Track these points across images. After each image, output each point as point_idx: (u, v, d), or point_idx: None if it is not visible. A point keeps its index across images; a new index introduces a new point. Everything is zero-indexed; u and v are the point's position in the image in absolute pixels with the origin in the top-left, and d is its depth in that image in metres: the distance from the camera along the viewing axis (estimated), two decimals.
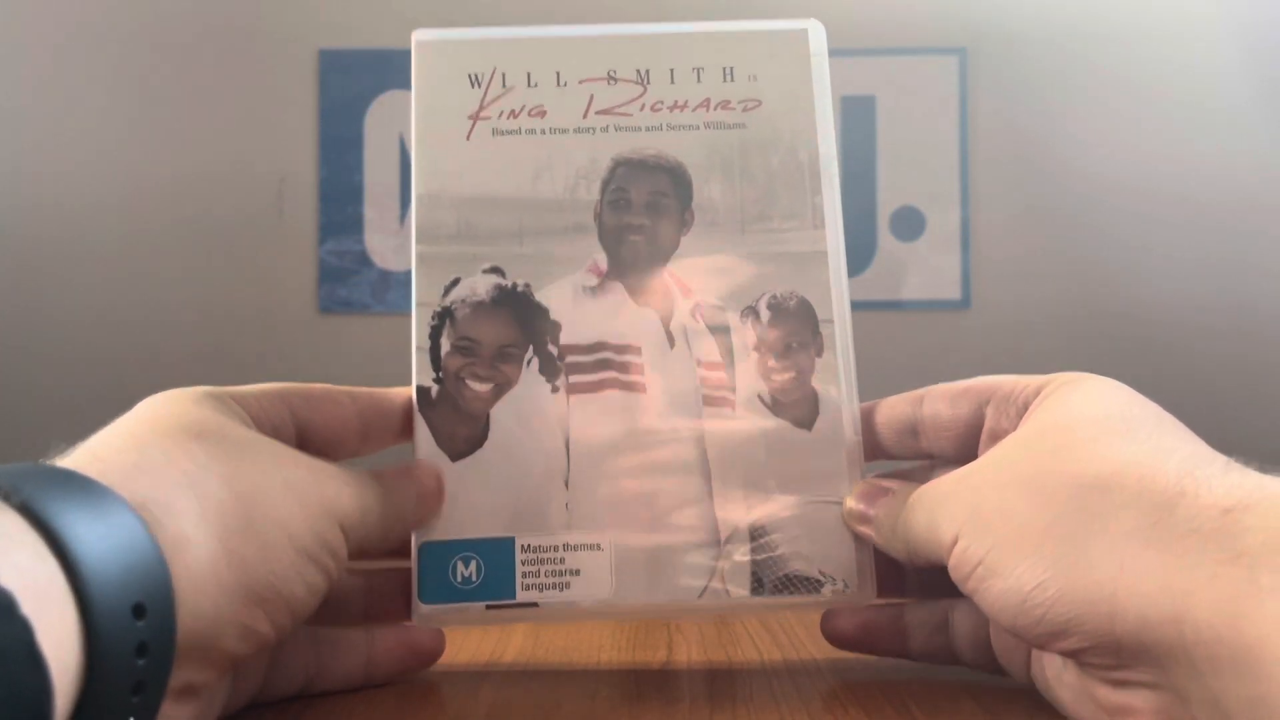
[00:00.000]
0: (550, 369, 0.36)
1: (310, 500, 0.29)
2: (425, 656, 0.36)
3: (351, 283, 0.93)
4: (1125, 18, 0.92)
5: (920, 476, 0.35)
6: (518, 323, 0.37)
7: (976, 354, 0.91)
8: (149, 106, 0.93)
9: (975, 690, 0.34)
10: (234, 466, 0.28)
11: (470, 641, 0.41)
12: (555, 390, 0.36)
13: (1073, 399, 0.31)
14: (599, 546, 0.35)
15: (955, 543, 0.29)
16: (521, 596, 0.35)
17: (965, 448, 0.35)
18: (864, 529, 0.35)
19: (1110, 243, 0.92)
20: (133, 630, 0.22)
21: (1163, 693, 0.26)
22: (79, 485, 0.24)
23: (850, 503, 0.36)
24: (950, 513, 0.30)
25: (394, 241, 0.93)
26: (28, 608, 0.20)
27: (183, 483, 0.26)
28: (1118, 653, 0.26)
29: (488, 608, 0.35)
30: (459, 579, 0.35)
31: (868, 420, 0.37)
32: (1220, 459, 0.27)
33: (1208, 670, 0.24)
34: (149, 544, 0.24)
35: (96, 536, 0.23)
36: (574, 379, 0.36)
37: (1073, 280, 0.91)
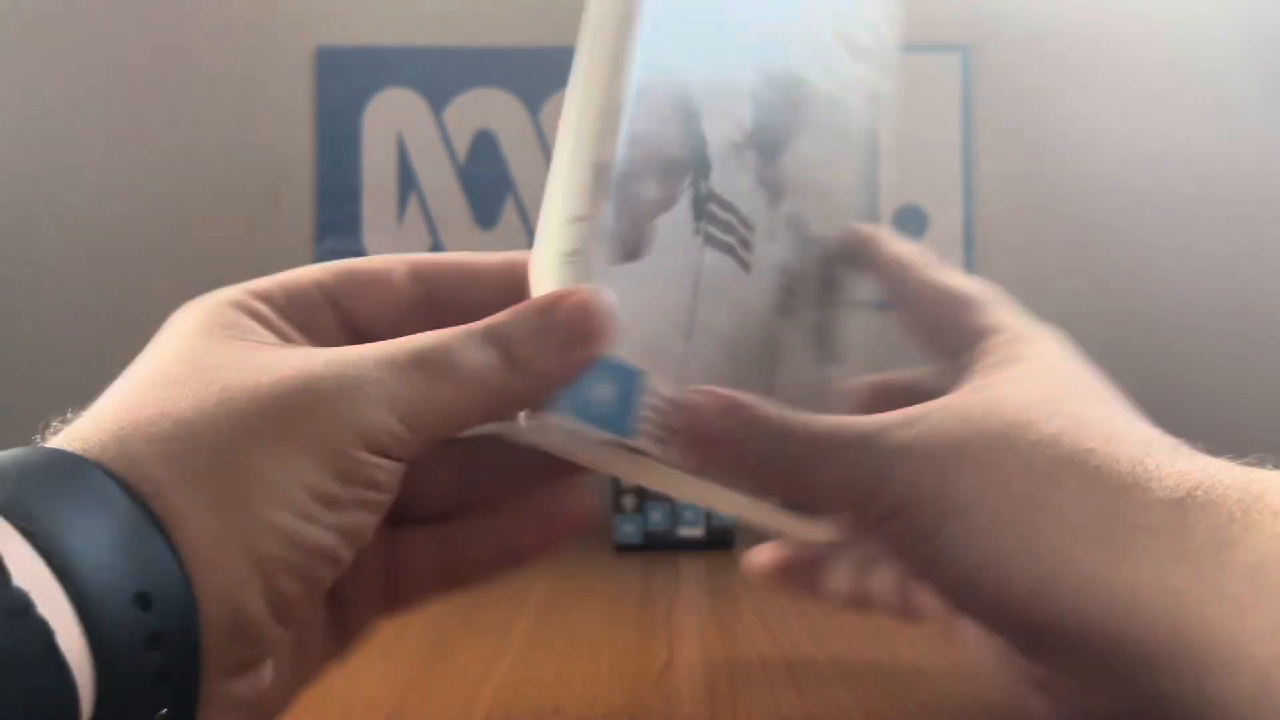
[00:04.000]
0: (699, 207, 0.32)
1: (317, 434, 0.25)
2: (566, 528, 0.31)
3: None
4: (1128, 15, 0.92)
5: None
6: (687, 139, 0.32)
7: None
8: (144, 103, 0.93)
9: (972, 685, 0.34)
10: (222, 410, 0.25)
11: (470, 639, 0.41)
12: (697, 233, 0.32)
13: (1026, 368, 0.30)
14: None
15: (904, 505, 0.27)
16: (636, 442, 0.28)
17: (931, 331, 0.34)
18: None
19: (1114, 240, 0.91)
20: (140, 621, 0.21)
21: (1085, 680, 0.26)
22: (68, 472, 0.23)
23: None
24: (893, 471, 0.27)
25: (392, 240, 0.92)
26: (44, 609, 0.19)
27: (169, 451, 0.24)
28: (1060, 637, 0.25)
29: (609, 443, 0.28)
30: (597, 396, 0.28)
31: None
32: (1169, 442, 0.27)
33: (1149, 666, 0.24)
34: (147, 527, 0.22)
35: (85, 529, 0.21)
36: (710, 230, 0.32)
37: (1077, 278, 0.91)
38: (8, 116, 0.93)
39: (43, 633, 0.19)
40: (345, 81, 0.92)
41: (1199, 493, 0.25)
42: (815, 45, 0.36)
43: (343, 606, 0.29)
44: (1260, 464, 0.27)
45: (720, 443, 0.29)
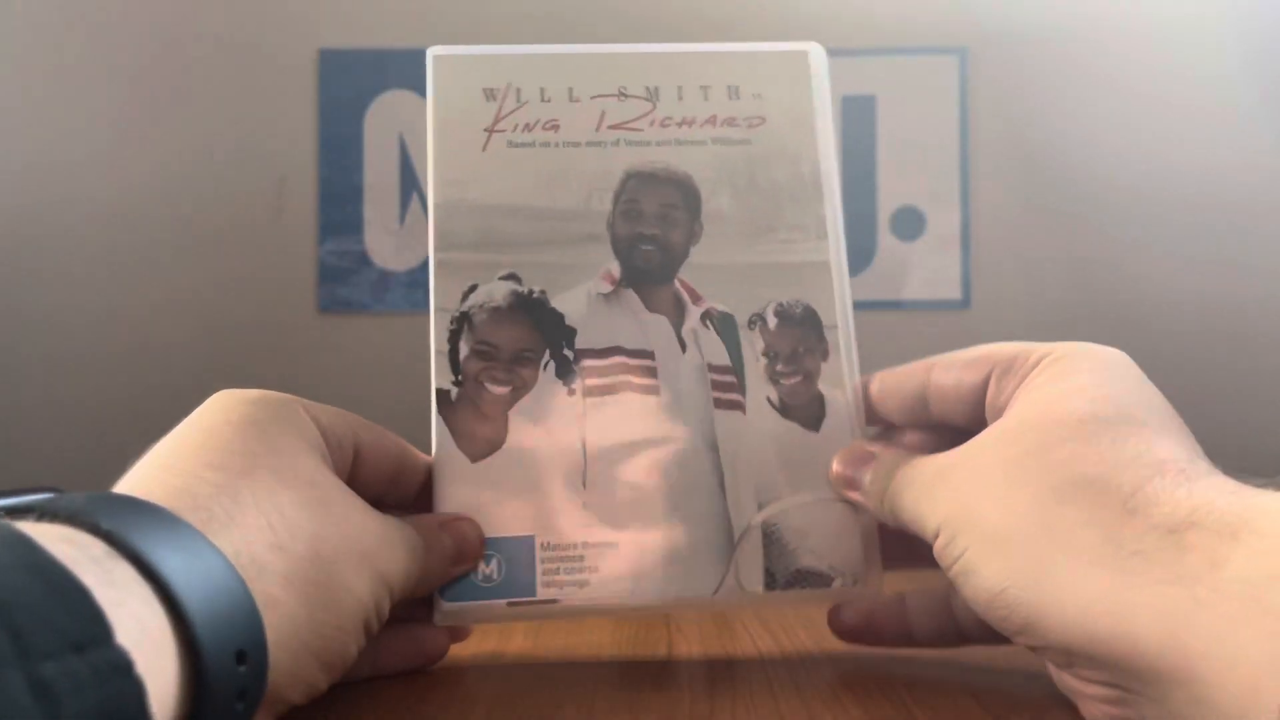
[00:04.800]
0: (566, 372, 0.38)
1: (375, 567, 0.31)
2: (431, 656, 0.37)
3: (351, 283, 0.93)
4: (1126, 17, 0.92)
5: (910, 442, 0.37)
6: (534, 328, 0.38)
7: None
8: (148, 106, 0.93)
9: (972, 685, 0.34)
10: (319, 527, 0.29)
11: (471, 640, 0.41)
12: (571, 393, 0.37)
13: (1057, 387, 0.31)
14: (616, 545, 0.36)
15: (938, 535, 0.31)
16: (542, 594, 0.36)
17: (975, 415, 0.35)
18: (851, 494, 0.36)
19: (1111, 242, 0.92)
20: (236, 676, 0.24)
21: (1113, 690, 0.27)
22: (179, 532, 0.24)
23: (836, 466, 0.37)
24: (933, 503, 0.31)
25: (394, 241, 0.93)
26: (142, 663, 0.20)
27: (273, 542, 0.28)
28: (1069, 656, 0.28)
29: (509, 605, 0.36)
30: (480, 577, 0.36)
31: (865, 392, 0.38)
32: (1173, 468, 0.28)
33: (1152, 682, 0.25)
34: (245, 596, 0.25)
35: (199, 584, 0.23)
36: (589, 382, 0.38)
37: (1073, 280, 0.91)
38: (11, 118, 0.94)
39: (138, 692, 0.20)
40: (347, 83, 0.92)
41: (1195, 517, 0.26)
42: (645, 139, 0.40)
43: None
44: (1265, 485, 0.27)
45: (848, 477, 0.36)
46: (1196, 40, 0.92)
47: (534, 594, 0.36)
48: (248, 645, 0.24)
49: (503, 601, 0.36)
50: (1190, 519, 0.26)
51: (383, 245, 0.92)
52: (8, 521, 0.22)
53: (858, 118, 0.93)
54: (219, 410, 0.31)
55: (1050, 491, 0.28)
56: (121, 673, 0.20)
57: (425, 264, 0.98)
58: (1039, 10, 0.93)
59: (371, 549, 0.31)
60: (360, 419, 0.35)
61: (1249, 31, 0.92)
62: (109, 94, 0.93)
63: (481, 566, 0.36)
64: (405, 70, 0.93)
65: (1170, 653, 0.25)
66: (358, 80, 0.92)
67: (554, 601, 0.36)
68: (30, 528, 0.22)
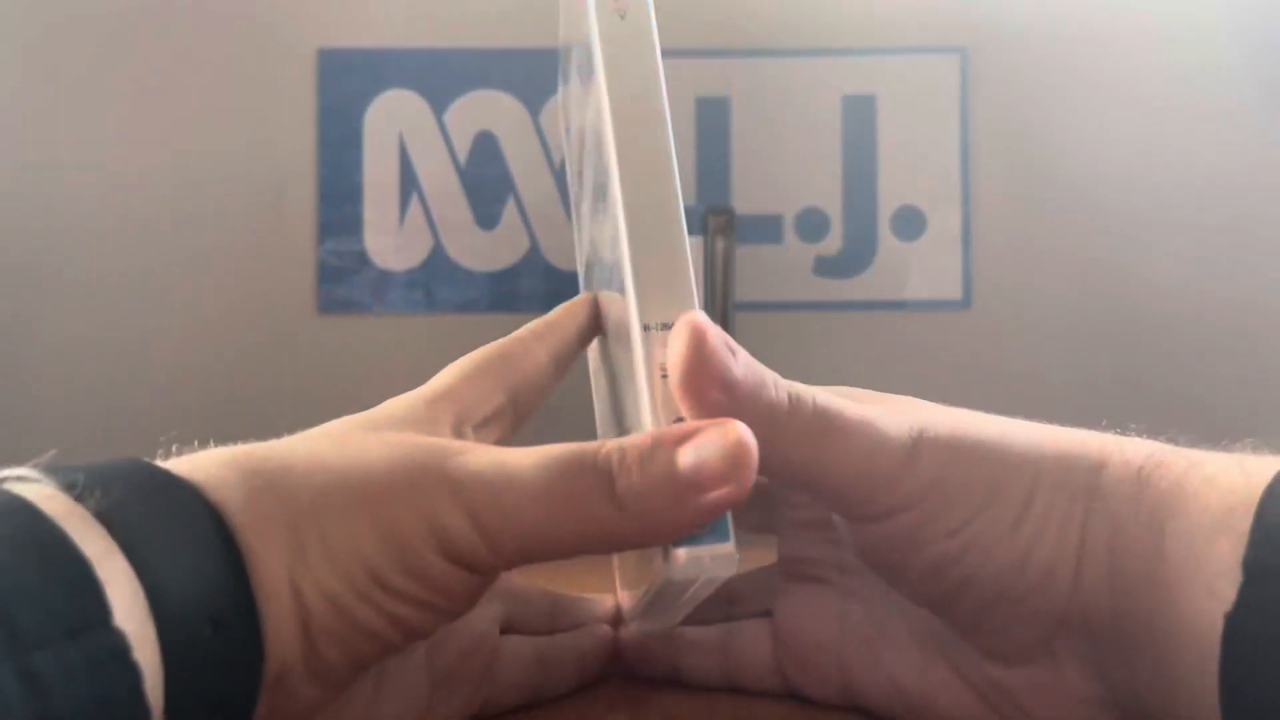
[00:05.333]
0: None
1: (391, 521, 0.25)
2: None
3: (350, 283, 0.92)
4: (1127, 19, 0.92)
5: None
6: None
7: (978, 354, 0.91)
8: (145, 105, 0.93)
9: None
10: (320, 473, 0.25)
11: None
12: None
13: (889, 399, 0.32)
14: None
15: (921, 501, 0.27)
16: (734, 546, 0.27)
17: None
18: (716, 395, 0.26)
19: (1112, 242, 0.91)
20: (209, 643, 0.22)
21: (1079, 662, 0.27)
22: (165, 488, 0.23)
23: (681, 347, 0.26)
24: (927, 462, 0.27)
25: (394, 241, 0.93)
26: (135, 633, 0.20)
27: (263, 488, 0.25)
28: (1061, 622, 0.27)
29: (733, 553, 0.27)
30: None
31: None
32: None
33: (1144, 640, 0.26)
34: (226, 559, 0.23)
35: (175, 545, 0.22)
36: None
37: (1075, 280, 0.91)
38: (8, 118, 0.93)
39: (134, 679, 0.19)
40: (347, 83, 0.92)
41: (1151, 461, 0.27)
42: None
43: (447, 696, 0.31)
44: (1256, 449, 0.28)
45: (739, 390, 0.26)
46: (1198, 40, 0.92)
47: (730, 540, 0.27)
48: (223, 611, 0.22)
49: (730, 545, 0.27)
50: (1149, 460, 0.28)
51: (382, 245, 0.92)
52: (7, 487, 0.22)
53: (858, 117, 0.93)
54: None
55: (1027, 448, 0.28)
56: (118, 659, 0.19)
57: (424, 264, 0.98)
58: (1040, 10, 0.93)
59: (393, 508, 0.25)
60: (506, 353, 0.32)
61: (1250, 31, 0.92)
62: (106, 93, 0.93)
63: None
64: (405, 70, 0.92)
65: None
66: (357, 80, 0.92)
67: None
68: (28, 489, 0.21)
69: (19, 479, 0.23)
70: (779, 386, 0.27)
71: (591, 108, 0.32)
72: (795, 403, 0.27)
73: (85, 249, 0.93)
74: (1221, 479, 0.25)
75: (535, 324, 0.33)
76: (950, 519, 0.27)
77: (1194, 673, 0.24)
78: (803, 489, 0.29)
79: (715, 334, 0.26)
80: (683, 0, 0.92)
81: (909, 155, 0.92)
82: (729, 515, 0.26)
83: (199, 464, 0.25)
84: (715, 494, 0.24)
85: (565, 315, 0.33)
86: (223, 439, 0.29)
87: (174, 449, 0.27)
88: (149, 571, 0.21)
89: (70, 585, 0.19)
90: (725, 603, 0.34)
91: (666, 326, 0.27)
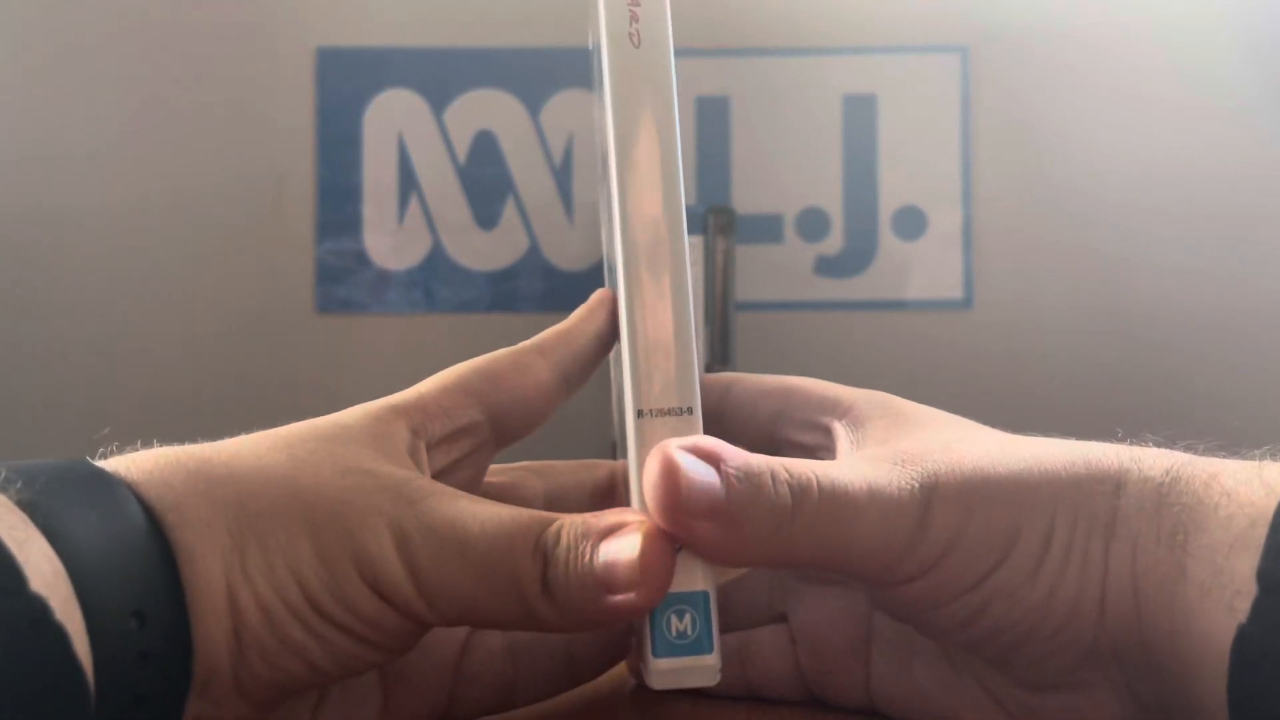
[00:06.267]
0: None
1: (330, 542, 0.24)
2: (624, 648, 0.32)
3: (349, 283, 0.92)
4: (1128, 17, 0.92)
5: None
6: None
7: (979, 354, 0.91)
8: (144, 104, 0.93)
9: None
10: (264, 477, 0.25)
11: None
12: None
13: (916, 417, 0.30)
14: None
15: (943, 558, 0.26)
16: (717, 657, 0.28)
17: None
18: (698, 526, 0.25)
19: (1114, 242, 0.91)
20: (134, 636, 0.22)
21: (1110, 690, 0.26)
22: (95, 484, 0.23)
23: (655, 480, 0.25)
24: (939, 520, 0.26)
25: (393, 241, 0.92)
26: (59, 612, 0.19)
27: (208, 491, 0.24)
28: (1090, 651, 0.26)
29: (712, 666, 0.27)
30: (674, 634, 0.27)
31: None
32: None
33: (1171, 669, 0.25)
34: (157, 548, 0.22)
35: (98, 535, 0.22)
36: None
37: (1076, 280, 0.91)
38: (8, 118, 0.93)
39: (60, 639, 0.19)
40: (346, 82, 0.92)
41: (1170, 477, 0.26)
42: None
43: (407, 698, 0.29)
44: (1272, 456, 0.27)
45: (729, 513, 0.25)
46: (1198, 39, 0.92)
47: (713, 652, 0.27)
48: (149, 605, 0.22)
49: (707, 659, 0.27)
50: (1170, 471, 0.27)
51: (381, 245, 0.92)
52: None
53: (858, 117, 0.93)
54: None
55: (1046, 475, 0.27)
56: (39, 622, 0.19)
57: (423, 263, 0.97)
58: (1041, 9, 0.92)
59: (335, 529, 0.25)
60: (489, 370, 0.30)
61: (1250, 30, 0.92)
62: (105, 92, 0.93)
63: (675, 622, 0.27)
64: (404, 69, 0.92)
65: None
66: (356, 79, 0.92)
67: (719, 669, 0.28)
68: None
69: None
70: (779, 482, 0.25)
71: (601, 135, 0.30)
72: (800, 496, 0.25)
73: (84, 249, 0.93)
74: (1241, 492, 0.24)
75: (544, 335, 0.31)
76: (970, 574, 0.26)
77: (1210, 690, 0.23)
78: (816, 570, 0.30)
79: (691, 464, 0.24)
80: (682, 0, 0.92)
81: (910, 155, 0.92)
82: (712, 620, 0.26)
83: (138, 463, 0.25)
84: (619, 599, 0.24)
85: (579, 323, 0.31)
86: (221, 438, 0.29)
87: (113, 448, 0.27)
88: (72, 558, 0.21)
89: None
90: (737, 607, 0.33)
91: (665, 413, 0.26)
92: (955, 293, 0.91)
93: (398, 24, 0.93)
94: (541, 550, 0.25)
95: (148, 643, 0.22)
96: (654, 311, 0.27)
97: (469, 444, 0.30)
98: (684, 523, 0.25)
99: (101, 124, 0.93)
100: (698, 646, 0.26)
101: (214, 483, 0.25)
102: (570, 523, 0.25)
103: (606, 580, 0.24)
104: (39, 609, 0.19)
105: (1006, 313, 0.91)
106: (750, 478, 0.25)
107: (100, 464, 0.25)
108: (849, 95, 0.92)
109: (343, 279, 0.92)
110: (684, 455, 0.25)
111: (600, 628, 0.26)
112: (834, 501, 0.25)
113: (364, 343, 0.93)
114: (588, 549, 0.25)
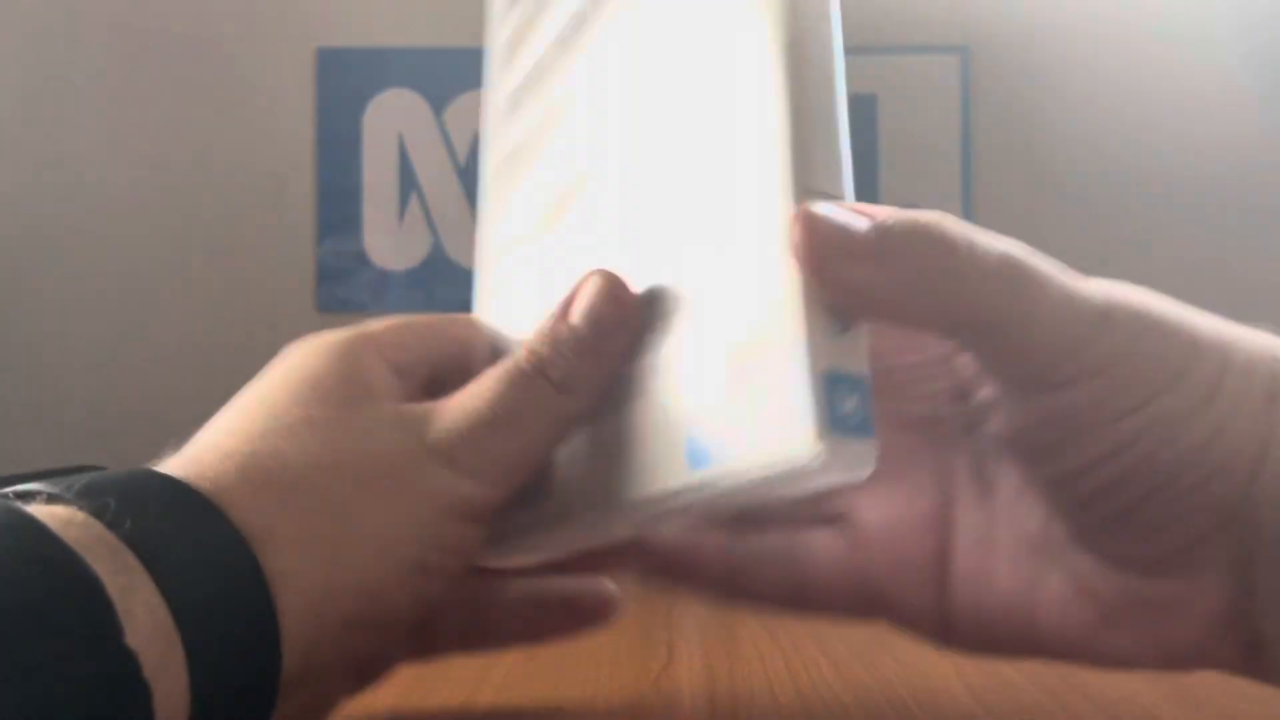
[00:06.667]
0: None
1: (422, 506, 0.26)
2: (591, 620, 0.31)
3: (350, 282, 0.92)
4: (1128, 17, 0.92)
5: None
6: None
7: None
8: (145, 104, 0.93)
9: (978, 693, 0.34)
10: (337, 473, 0.26)
11: None
12: None
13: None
14: None
15: (1106, 370, 0.24)
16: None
17: None
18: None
19: (1113, 241, 0.91)
20: (235, 671, 0.22)
21: (1227, 574, 0.25)
22: (189, 509, 0.23)
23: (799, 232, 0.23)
24: (1118, 325, 0.25)
25: (393, 241, 0.92)
26: (154, 658, 0.19)
27: (283, 500, 0.25)
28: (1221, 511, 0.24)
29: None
30: (845, 411, 0.23)
31: None
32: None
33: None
34: (255, 580, 0.23)
35: (202, 575, 0.22)
36: None
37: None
38: (9, 119, 0.93)
39: (145, 697, 0.19)
40: (346, 82, 0.92)
41: None
42: None
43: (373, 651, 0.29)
44: None
45: (886, 250, 0.23)
46: (1198, 39, 0.92)
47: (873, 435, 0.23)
48: (250, 643, 0.23)
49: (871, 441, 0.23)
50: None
51: (381, 244, 0.92)
52: (16, 504, 0.21)
53: (859, 117, 0.93)
54: (286, 366, 0.29)
55: (1192, 327, 0.26)
56: (129, 677, 0.19)
57: (423, 263, 0.97)
58: (1041, 9, 0.92)
59: (414, 485, 0.26)
60: (445, 327, 0.31)
61: (1250, 30, 0.92)
62: (106, 93, 0.93)
63: (846, 399, 0.23)
64: (404, 69, 0.92)
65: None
66: (356, 79, 0.92)
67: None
68: (39, 510, 0.21)
69: (49, 497, 0.22)
70: (949, 225, 0.24)
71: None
72: (975, 248, 0.24)
73: (86, 249, 0.93)
74: None
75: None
76: (1137, 393, 0.24)
77: None
78: (979, 346, 0.26)
79: (834, 212, 0.23)
80: None
81: (909, 155, 0.92)
82: (869, 401, 0.23)
83: (221, 482, 0.25)
84: (614, 340, 0.26)
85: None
86: None
87: (173, 446, 0.27)
88: (177, 598, 0.21)
89: (80, 601, 0.19)
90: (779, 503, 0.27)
91: (827, 195, 0.24)
92: None
93: (398, 25, 0.93)
94: (536, 370, 0.26)
95: (245, 678, 0.23)
96: (813, 91, 0.26)
97: (413, 384, 0.30)
98: (833, 267, 0.23)
99: (103, 125, 0.93)
100: (865, 429, 0.23)
101: (290, 492, 0.25)
102: (536, 334, 0.27)
103: (597, 331, 0.26)
104: (132, 665, 0.19)
105: None
106: (903, 216, 0.24)
107: (192, 484, 0.24)
108: (849, 95, 0.92)
109: (343, 279, 0.92)
110: (826, 207, 0.23)
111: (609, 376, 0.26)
112: (1015, 265, 0.24)
113: None
114: (564, 328, 0.26)
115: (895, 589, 0.28)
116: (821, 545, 0.29)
